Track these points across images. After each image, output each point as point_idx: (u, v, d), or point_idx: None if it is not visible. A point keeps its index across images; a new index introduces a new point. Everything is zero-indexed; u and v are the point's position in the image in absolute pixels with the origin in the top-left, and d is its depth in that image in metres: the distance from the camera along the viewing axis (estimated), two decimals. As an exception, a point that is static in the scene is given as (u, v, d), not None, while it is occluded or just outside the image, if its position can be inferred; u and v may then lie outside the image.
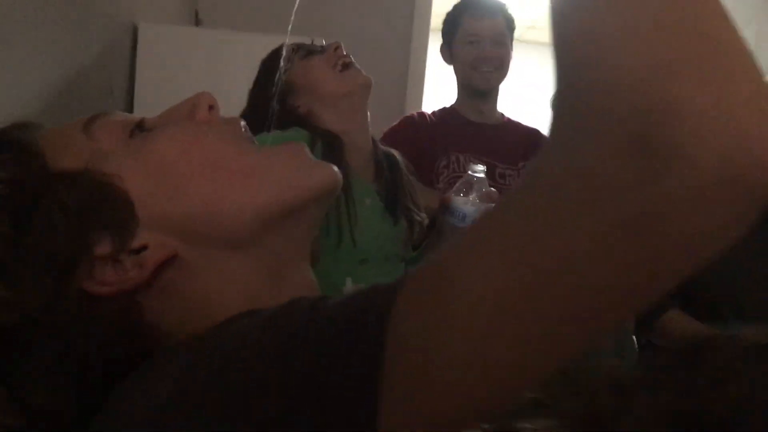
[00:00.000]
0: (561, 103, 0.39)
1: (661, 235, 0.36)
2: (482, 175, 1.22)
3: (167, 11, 2.27)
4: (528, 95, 5.58)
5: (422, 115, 2.17)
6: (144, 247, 0.57)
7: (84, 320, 0.55)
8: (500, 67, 2.12)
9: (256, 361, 0.45)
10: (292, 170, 0.63)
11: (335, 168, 0.65)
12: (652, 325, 1.95)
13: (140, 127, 0.62)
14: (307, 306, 0.48)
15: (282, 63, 1.49)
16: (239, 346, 0.47)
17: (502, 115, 2.21)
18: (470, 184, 1.21)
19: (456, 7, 2.19)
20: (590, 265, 0.37)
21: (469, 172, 1.25)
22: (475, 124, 2.14)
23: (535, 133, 2.20)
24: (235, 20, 2.84)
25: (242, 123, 0.67)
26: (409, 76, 2.92)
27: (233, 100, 1.91)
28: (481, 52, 2.09)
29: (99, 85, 1.86)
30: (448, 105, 2.22)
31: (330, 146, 1.38)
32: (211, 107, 0.65)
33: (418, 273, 0.44)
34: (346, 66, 1.47)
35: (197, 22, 2.86)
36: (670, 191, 0.35)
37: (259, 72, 1.52)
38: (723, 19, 0.37)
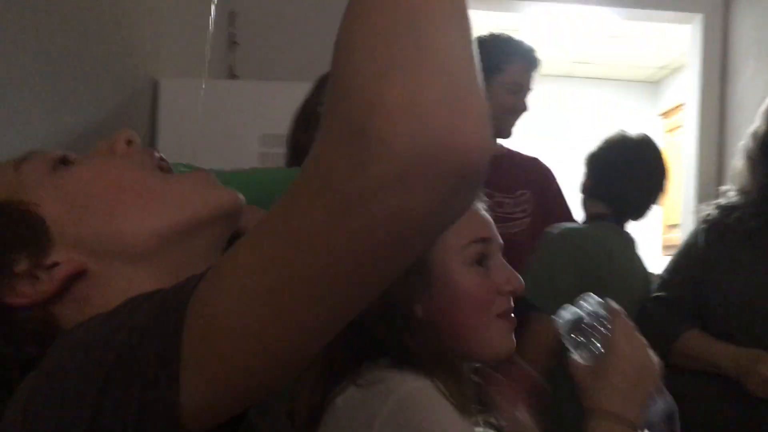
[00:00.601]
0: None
1: (375, 212, 0.43)
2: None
3: (187, 66, 2.30)
4: (576, 127, 5.62)
5: None
6: (56, 264, 0.67)
7: (4, 326, 0.67)
8: (521, 118, 2.17)
9: (82, 357, 0.53)
10: (191, 193, 0.72)
11: (237, 193, 0.75)
12: (670, 347, 1.88)
13: (63, 161, 0.74)
14: (142, 298, 0.56)
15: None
16: (74, 341, 0.56)
17: (501, 146, 2.23)
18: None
19: (506, 47, 2.16)
20: (322, 243, 0.44)
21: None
22: None
23: (534, 161, 2.25)
24: (267, 72, 2.91)
25: (157, 155, 0.77)
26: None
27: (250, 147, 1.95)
28: (518, 102, 2.12)
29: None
30: None
31: None
32: (129, 141, 0.77)
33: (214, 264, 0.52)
34: None
35: (232, 76, 2.92)
36: (375, 174, 0.42)
37: (294, 117, 1.55)
38: (438, 29, 0.43)
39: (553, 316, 0.99)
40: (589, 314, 0.95)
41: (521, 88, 2.13)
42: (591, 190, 2.02)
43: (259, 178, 1.49)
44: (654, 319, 1.98)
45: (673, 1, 3.44)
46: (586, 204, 2.05)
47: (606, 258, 1.89)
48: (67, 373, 0.52)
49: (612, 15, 3.58)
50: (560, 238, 1.93)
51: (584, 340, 0.94)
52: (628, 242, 2.02)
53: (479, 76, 0.45)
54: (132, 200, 0.71)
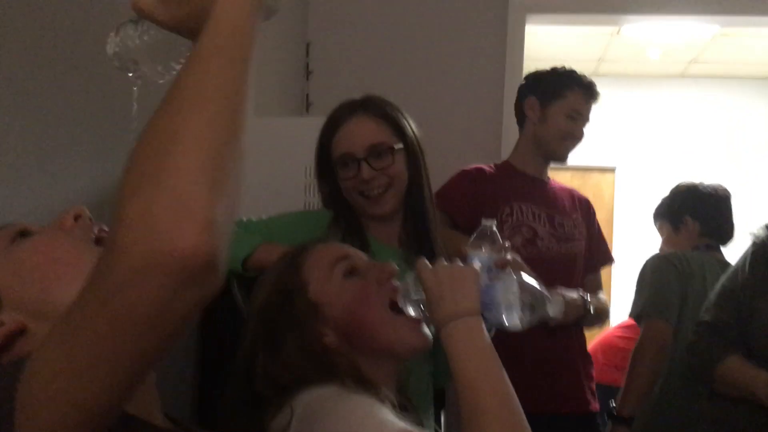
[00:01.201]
0: None
1: (121, 303, 0.55)
2: (494, 228, 1.23)
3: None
4: (690, 129, 5.42)
5: (479, 169, 2.24)
6: (1, 323, 0.81)
7: None
8: (577, 145, 2.25)
9: None
10: None
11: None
12: (712, 373, 1.82)
13: (23, 233, 0.87)
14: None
15: None
16: None
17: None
18: (484, 236, 1.22)
19: (568, 76, 2.24)
20: (89, 327, 0.58)
21: (484, 222, 1.25)
22: (532, 178, 2.24)
23: (572, 190, 2.35)
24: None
25: (96, 228, 0.91)
26: (504, 116, 2.96)
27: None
28: (575, 129, 2.19)
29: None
30: (501, 161, 2.34)
31: (349, 224, 1.58)
32: (77, 216, 0.90)
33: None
34: None
35: (308, 105, 3.06)
36: (117, 275, 0.55)
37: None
38: (182, 153, 0.56)
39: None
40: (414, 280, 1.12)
41: (579, 116, 2.19)
42: (701, 226, 2.54)
43: (282, 221, 1.63)
44: (698, 343, 1.94)
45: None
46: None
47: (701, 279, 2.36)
48: None
49: (712, 24, 3.49)
50: (666, 262, 2.42)
51: (415, 297, 1.11)
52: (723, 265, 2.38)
53: (222, 190, 0.57)
54: (63, 271, 0.83)
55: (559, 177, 2.41)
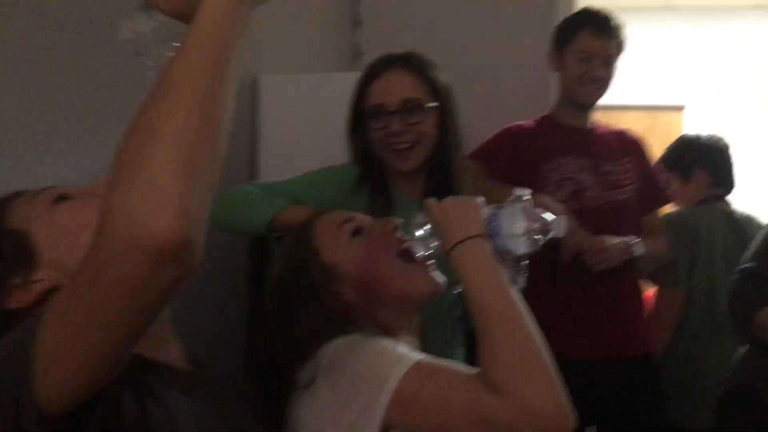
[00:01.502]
0: None
1: (108, 278, 0.65)
2: (527, 197, 1.22)
3: (288, 61, 2.47)
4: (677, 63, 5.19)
5: (520, 126, 2.24)
6: (41, 280, 0.92)
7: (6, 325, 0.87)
8: (603, 87, 2.17)
9: None
10: None
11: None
12: (750, 318, 1.81)
13: (62, 197, 0.98)
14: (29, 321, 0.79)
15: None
16: None
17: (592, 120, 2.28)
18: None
19: (575, 18, 2.25)
20: (89, 293, 0.67)
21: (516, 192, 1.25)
22: (573, 129, 2.22)
23: (623, 132, 2.30)
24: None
25: None
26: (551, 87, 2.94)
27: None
28: (589, 70, 2.13)
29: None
30: (544, 114, 2.30)
31: (375, 181, 1.64)
32: None
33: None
34: None
35: (357, 56, 3.06)
36: (104, 255, 0.64)
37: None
38: (160, 148, 0.63)
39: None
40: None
41: (592, 56, 2.12)
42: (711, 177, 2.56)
43: (307, 180, 1.69)
44: (739, 290, 1.93)
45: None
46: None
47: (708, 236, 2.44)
48: None
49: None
50: (671, 227, 2.40)
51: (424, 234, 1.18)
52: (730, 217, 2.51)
53: (196, 181, 0.64)
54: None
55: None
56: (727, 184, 2.62)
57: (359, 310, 1.16)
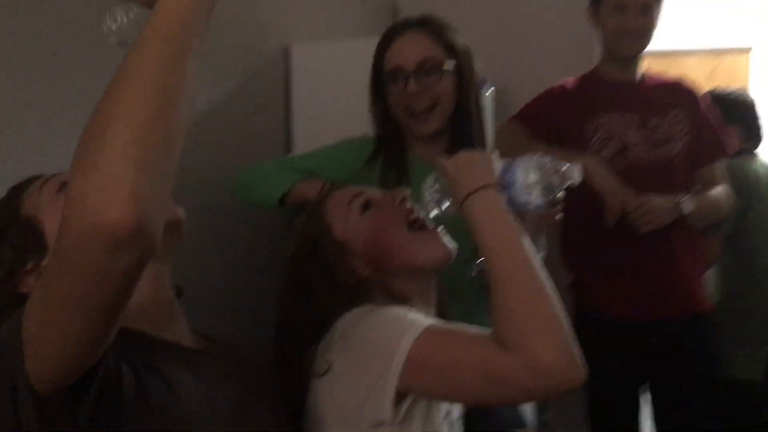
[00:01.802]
0: None
1: (73, 263, 0.66)
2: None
3: (320, 28, 2.43)
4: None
5: (562, 86, 2.16)
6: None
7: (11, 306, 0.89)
8: (644, 36, 2.06)
9: None
10: None
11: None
12: None
13: (66, 184, 0.92)
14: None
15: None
16: None
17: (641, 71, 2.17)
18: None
19: None
20: (56, 280, 0.70)
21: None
22: (618, 84, 2.12)
23: (678, 82, 2.18)
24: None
25: None
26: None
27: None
28: (625, 21, 2.03)
29: (251, 104, 2.10)
30: (589, 71, 2.20)
31: (392, 147, 1.61)
32: None
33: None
34: None
35: (396, 14, 2.98)
36: (67, 242, 0.65)
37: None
38: (111, 140, 0.63)
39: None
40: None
41: (626, 7, 2.01)
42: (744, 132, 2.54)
43: (323, 154, 1.66)
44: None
45: None
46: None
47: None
48: None
49: None
50: None
51: (437, 194, 1.19)
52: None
53: (150, 168, 0.65)
54: None
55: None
56: (758, 139, 2.62)
57: (372, 282, 1.17)
